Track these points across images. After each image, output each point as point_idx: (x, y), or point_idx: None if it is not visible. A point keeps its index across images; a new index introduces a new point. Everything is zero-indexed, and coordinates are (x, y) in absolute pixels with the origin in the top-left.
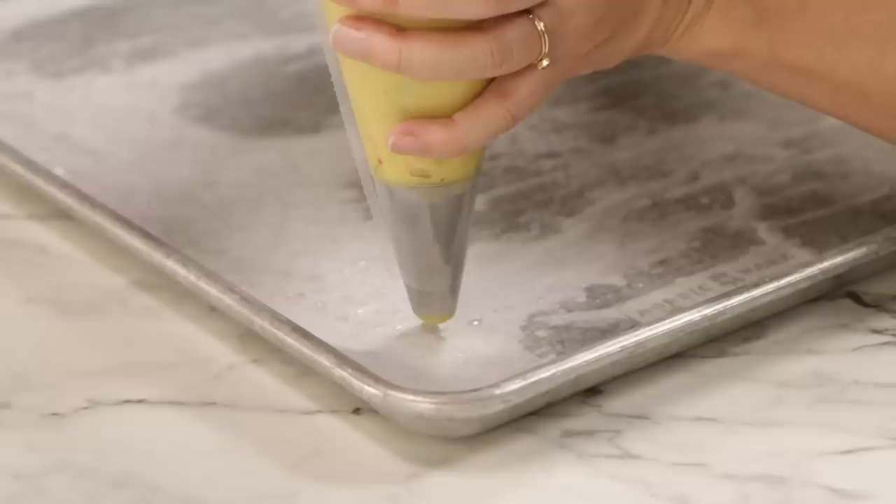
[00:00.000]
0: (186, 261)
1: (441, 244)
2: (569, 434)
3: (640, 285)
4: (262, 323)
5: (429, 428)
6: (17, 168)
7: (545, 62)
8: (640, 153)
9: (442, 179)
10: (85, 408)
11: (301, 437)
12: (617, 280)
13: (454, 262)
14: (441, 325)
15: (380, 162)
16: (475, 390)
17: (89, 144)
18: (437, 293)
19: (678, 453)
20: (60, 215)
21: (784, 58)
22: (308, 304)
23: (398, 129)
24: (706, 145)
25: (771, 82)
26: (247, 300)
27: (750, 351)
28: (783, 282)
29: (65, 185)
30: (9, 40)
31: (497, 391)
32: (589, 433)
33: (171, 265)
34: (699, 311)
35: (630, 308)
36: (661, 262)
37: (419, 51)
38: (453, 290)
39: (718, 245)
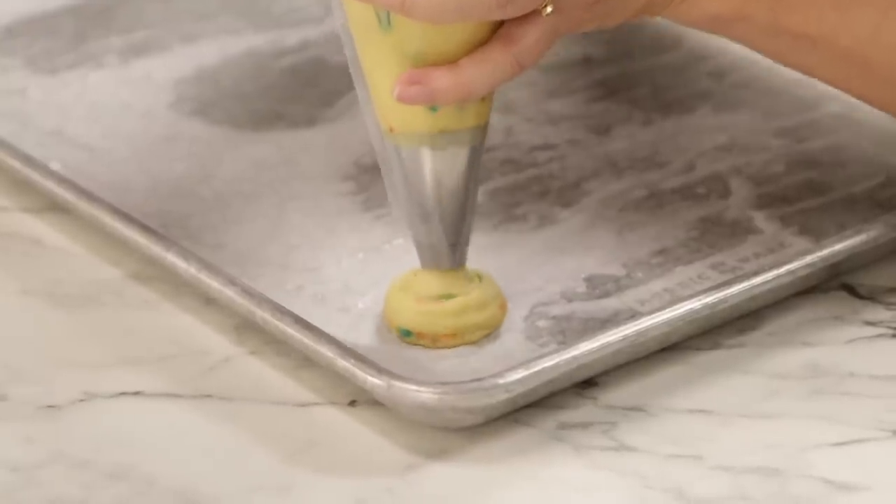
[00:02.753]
0: (187, 254)
1: (451, 198)
2: (565, 426)
3: (640, 275)
4: (263, 315)
5: (431, 418)
6: (13, 162)
7: (549, 8)
8: (635, 144)
9: (446, 131)
10: (81, 400)
11: (297, 428)
12: (616, 270)
13: (465, 216)
14: None
15: (391, 130)
16: (478, 380)
17: (84, 140)
18: (448, 246)
19: (674, 445)
20: (56, 208)
21: (786, 23)
22: (307, 295)
23: (404, 78)
24: (701, 136)
25: (773, 49)
26: (248, 292)
27: (745, 343)
28: (783, 269)
29: (62, 179)
30: (2, 36)
31: (500, 381)
32: (585, 425)
33: (172, 258)
34: (699, 300)
35: (630, 298)
36: (660, 252)
37: None
38: (464, 241)
39: (716, 234)
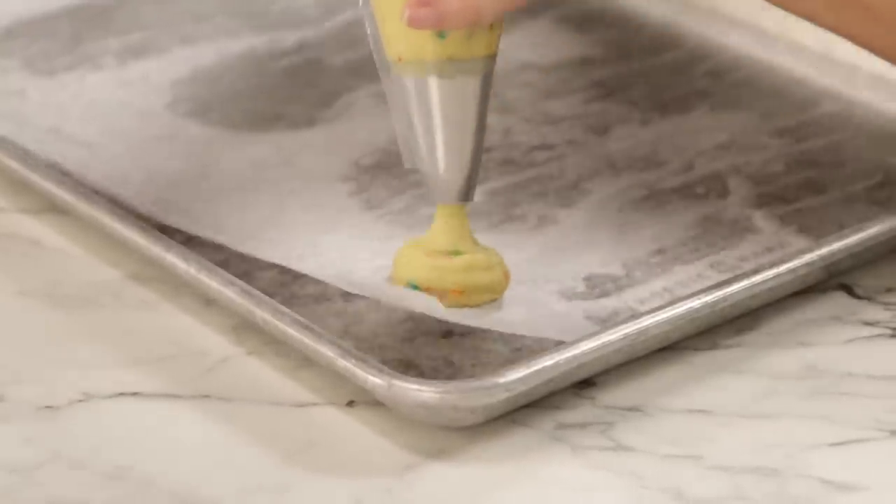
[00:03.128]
0: (187, 254)
1: (460, 129)
2: (562, 426)
3: (639, 274)
4: (263, 315)
5: (432, 417)
6: (11, 163)
7: None
8: (634, 144)
9: (454, 59)
10: (79, 400)
11: (296, 429)
12: (615, 269)
13: (474, 147)
14: (440, 314)
15: (399, 59)
16: (479, 379)
17: (82, 140)
18: (456, 179)
19: (671, 445)
20: (54, 209)
21: None
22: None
23: (412, 1)
24: (700, 135)
25: None
26: (247, 293)
27: (742, 343)
28: (783, 268)
29: (61, 180)
30: (0, 38)
31: (501, 380)
32: (582, 425)
33: (171, 258)
34: (699, 299)
35: (629, 297)
36: (659, 252)
37: None
38: (473, 174)
39: (715, 234)
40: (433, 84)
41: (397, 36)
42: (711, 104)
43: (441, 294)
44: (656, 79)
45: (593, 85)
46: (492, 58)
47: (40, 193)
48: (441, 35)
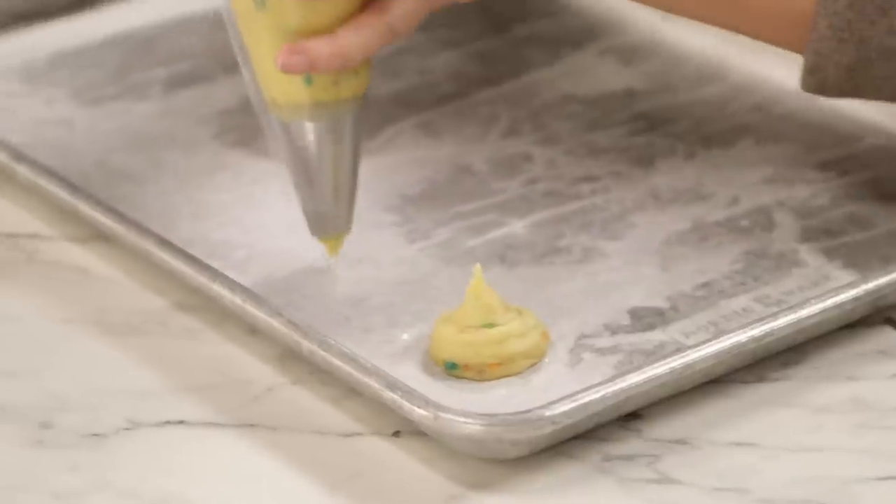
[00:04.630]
0: (233, 284)
1: (332, 168)
2: (609, 458)
3: (684, 308)
4: (310, 346)
5: (477, 450)
6: (59, 192)
7: None
8: (678, 177)
9: (322, 103)
10: (126, 429)
11: (341, 459)
12: (660, 303)
13: (344, 183)
14: None
15: (273, 102)
16: (525, 412)
17: (129, 170)
18: (331, 213)
19: (718, 478)
20: (101, 238)
21: None
22: (353, 327)
23: (284, 49)
24: (744, 168)
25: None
26: (294, 323)
27: (789, 377)
28: (829, 303)
29: (108, 209)
30: (47, 68)
31: (547, 413)
32: (629, 458)
33: (217, 288)
34: (745, 333)
35: (674, 330)
36: (704, 285)
37: None
38: (346, 209)
39: (761, 267)
40: (304, 126)
41: (270, 80)
42: (756, 137)
43: (480, 369)
44: (700, 112)
45: (637, 117)
46: (358, 100)
47: (87, 222)
48: (308, 80)
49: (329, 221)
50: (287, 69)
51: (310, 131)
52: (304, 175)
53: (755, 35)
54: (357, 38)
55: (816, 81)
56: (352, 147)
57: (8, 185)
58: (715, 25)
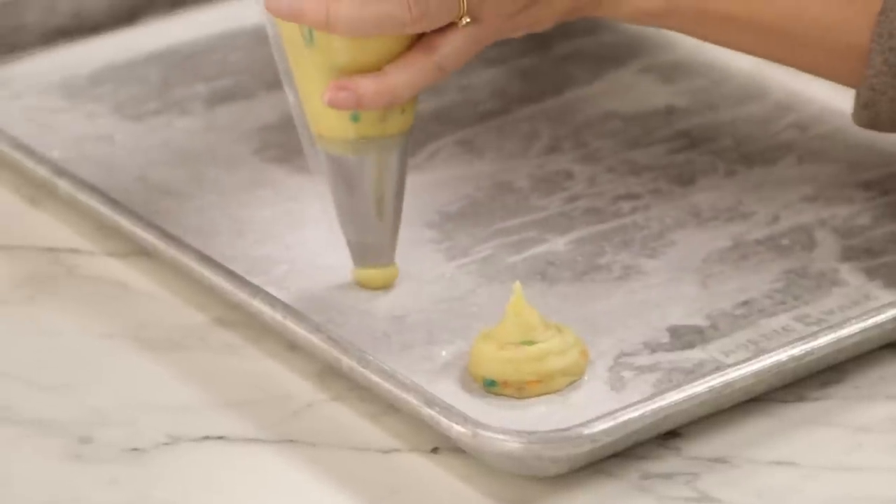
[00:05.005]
0: (273, 300)
1: (377, 201)
2: (648, 476)
3: (724, 326)
4: (349, 362)
5: (516, 467)
6: (100, 206)
7: (466, 20)
8: (719, 195)
9: (368, 138)
10: (165, 443)
11: (380, 475)
12: (700, 321)
13: (388, 216)
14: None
15: (320, 136)
16: (565, 430)
17: (170, 185)
18: (374, 245)
19: (757, 497)
20: (141, 253)
21: (713, 10)
22: (392, 344)
23: (332, 86)
24: (785, 187)
25: (704, 34)
26: (333, 339)
27: (829, 396)
28: (869, 322)
29: (150, 224)
30: (89, 83)
31: (586, 431)
32: (668, 476)
33: (258, 304)
34: (786, 352)
35: (714, 349)
36: (744, 303)
37: (345, 8)
38: (390, 241)
39: (801, 286)
40: (350, 160)
41: (317, 114)
42: (797, 156)
43: (519, 386)
44: (741, 130)
45: (678, 135)
46: (404, 135)
47: (128, 237)
48: (355, 116)
49: (372, 253)
50: (334, 105)
51: (355, 165)
52: (349, 207)
53: (810, 69)
54: (405, 76)
55: (870, 116)
56: (396, 181)
57: (49, 199)
58: (770, 60)
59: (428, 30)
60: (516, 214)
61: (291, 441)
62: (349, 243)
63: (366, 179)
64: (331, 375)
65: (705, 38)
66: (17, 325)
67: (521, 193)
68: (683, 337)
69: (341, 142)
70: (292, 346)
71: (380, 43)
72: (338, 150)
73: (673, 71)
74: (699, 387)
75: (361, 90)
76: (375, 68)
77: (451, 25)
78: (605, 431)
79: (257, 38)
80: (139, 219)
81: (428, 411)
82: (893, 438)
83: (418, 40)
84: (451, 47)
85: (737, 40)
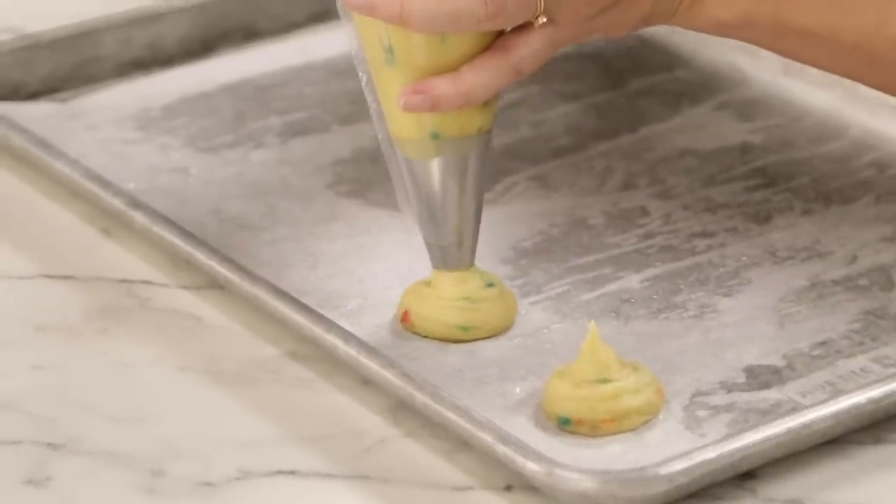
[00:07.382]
0: (347, 335)
1: (457, 202)
2: None
3: (800, 367)
4: (423, 398)
5: None
6: (174, 239)
7: (542, 19)
8: (796, 234)
9: (448, 139)
10: (237, 478)
11: None
12: (776, 361)
13: (468, 217)
14: None
15: (399, 138)
16: (640, 469)
17: (243, 218)
18: (453, 246)
19: None
20: (215, 286)
21: (791, 24)
22: (466, 380)
23: (407, 90)
24: (863, 226)
25: (781, 48)
26: (407, 375)
27: None
28: None
29: (223, 257)
30: (163, 116)
31: (662, 471)
32: None
33: (332, 339)
34: (864, 394)
35: (791, 389)
36: (822, 344)
37: (419, 3)
38: (470, 244)
39: (880, 327)
40: (429, 161)
41: (395, 116)
42: (875, 195)
43: (594, 425)
44: (819, 168)
45: (754, 173)
46: (484, 134)
47: (201, 270)
48: (433, 117)
49: (451, 255)
50: (410, 108)
51: (434, 166)
52: (428, 209)
53: (888, 89)
54: (481, 78)
55: None
56: (476, 182)
57: (123, 231)
58: (848, 77)
59: (504, 27)
60: (591, 251)
61: (364, 477)
62: (428, 246)
63: (445, 180)
64: (404, 411)
65: (783, 53)
66: (91, 356)
67: (595, 230)
68: (760, 377)
69: (420, 143)
70: (365, 381)
71: (457, 44)
72: (417, 151)
73: (749, 108)
74: (777, 428)
75: (437, 91)
76: (453, 70)
77: (528, 26)
78: (681, 472)
79: (331, 71)
80: (213, 251)
81: (502, 448)
82: None
83: (495, 42)
84: (527, 49)
85: (814, 56)
